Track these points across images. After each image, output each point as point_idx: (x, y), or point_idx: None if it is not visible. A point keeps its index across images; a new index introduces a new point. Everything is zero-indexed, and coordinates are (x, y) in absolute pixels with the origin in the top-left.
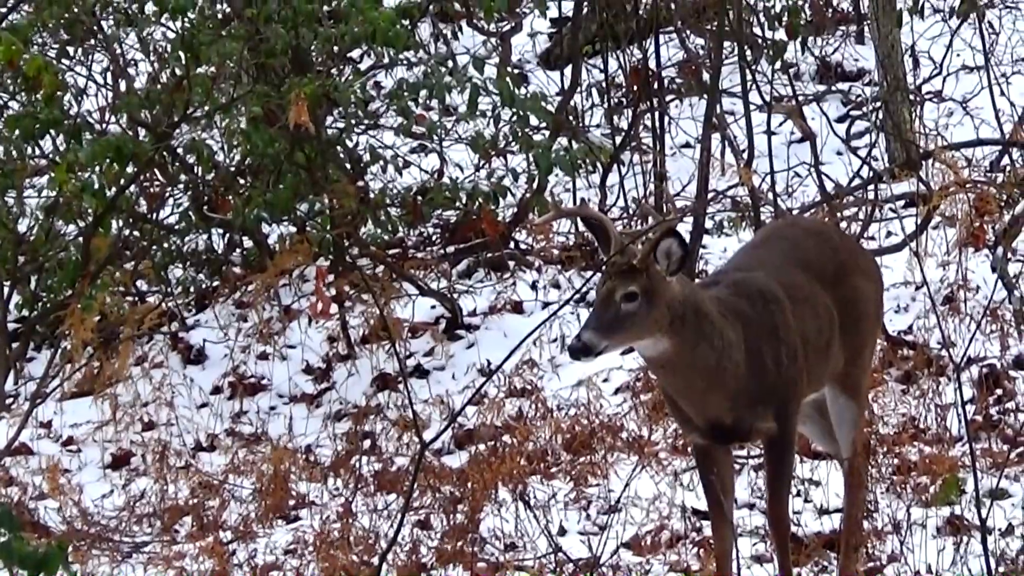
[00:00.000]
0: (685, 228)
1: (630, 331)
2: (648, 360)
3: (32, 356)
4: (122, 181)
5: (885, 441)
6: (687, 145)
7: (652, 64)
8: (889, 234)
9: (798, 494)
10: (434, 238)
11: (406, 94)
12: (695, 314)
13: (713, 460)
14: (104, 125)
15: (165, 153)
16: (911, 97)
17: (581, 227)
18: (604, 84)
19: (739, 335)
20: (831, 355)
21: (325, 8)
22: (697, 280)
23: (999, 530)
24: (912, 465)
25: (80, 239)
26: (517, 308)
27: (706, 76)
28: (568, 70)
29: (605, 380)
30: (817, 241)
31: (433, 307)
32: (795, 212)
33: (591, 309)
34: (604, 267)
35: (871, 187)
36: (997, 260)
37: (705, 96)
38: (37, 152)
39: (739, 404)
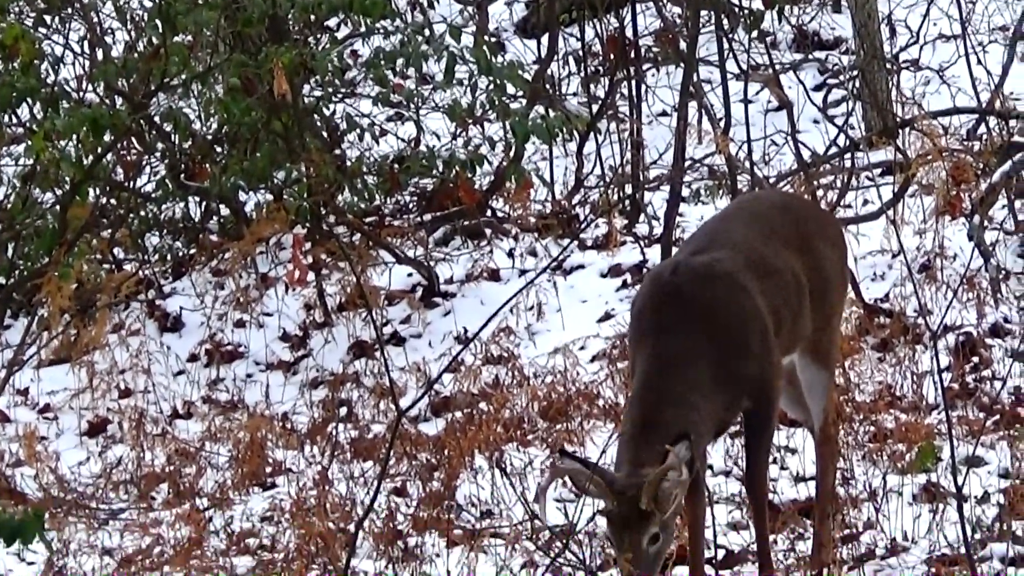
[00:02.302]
0: (662, 196)
1: (663, 558)
2: None
3: (9, 324)
4: (99, 150)
5: (861, 409)
6: (664, 113)
7: (629, 33)
8: (866, 202)
9: (774, 461)
10: (411, 206)
11: (383, 63)
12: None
13: None
14: (81, 94)
15: (142, 122)
16: (888, 66)
17: (559, 195)
18: (581, 53)
19: (704, 373)
20: (802, 321)
21: None
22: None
23: (975, 497)
24: (888, 433)
25: (57, 207)
26: (494, 276)
27: (683, 45)
28: (545, 39)
29: (582, 348)
30: (782, 212)
31: (410, 275)
32: (772, 180)
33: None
34: (607, 518)
35: (848, 155)
36: (974, 228)
37: (682, 65)
38: (14, 120)
39: (724, 414)
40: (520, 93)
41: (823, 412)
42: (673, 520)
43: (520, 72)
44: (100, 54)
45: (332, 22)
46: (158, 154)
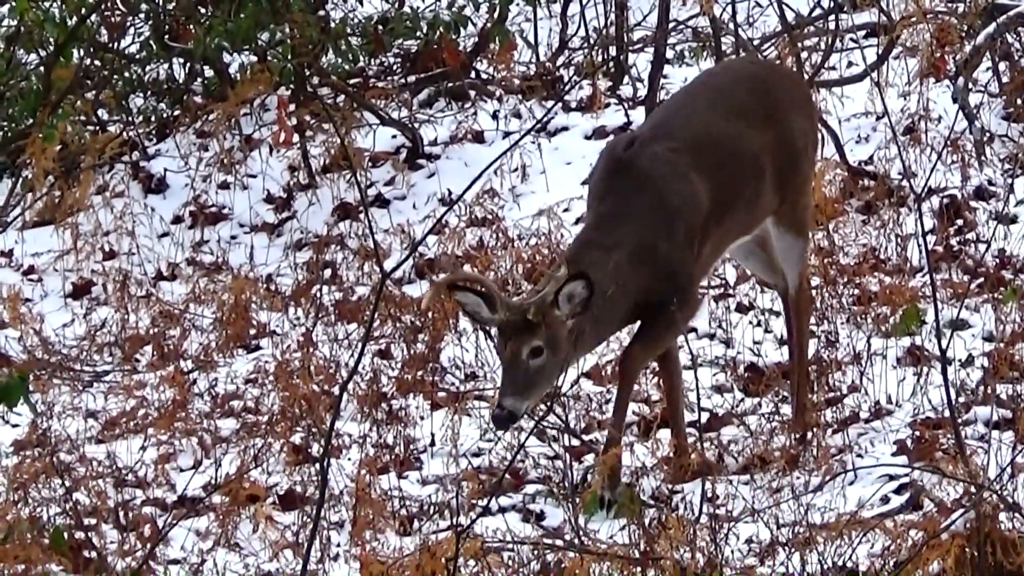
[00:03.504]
0: (646, 58)
1: (546, 382)
2: None
3: None
4: (83, 10)
5: (845, 272)
6: None
7: None
8: (850, 64)
9: (759, 324)
10: (395, 67)
11: None
12: (587, 316)
13: None
14: None
15: None
16: None
17: (543, 57)
18: None
19: (631, 238)
20: (762, 201)
21: None
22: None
23: (959, 360)
24: (872, 296)
25: (41, 68)
26: (478, 137)
27: None
28: None
29: (566, 210)
30: (748, 85)
31: (394, 136)
32: (755, 42)
33: (502, 375)
34: (498, 328)
35: (832, 17)
36: (958, 90)
37: None
38: None
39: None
40: None
41: (799, 277)
42: (567, 351)
43: None
44: None
45: None
46: (142, 15)
